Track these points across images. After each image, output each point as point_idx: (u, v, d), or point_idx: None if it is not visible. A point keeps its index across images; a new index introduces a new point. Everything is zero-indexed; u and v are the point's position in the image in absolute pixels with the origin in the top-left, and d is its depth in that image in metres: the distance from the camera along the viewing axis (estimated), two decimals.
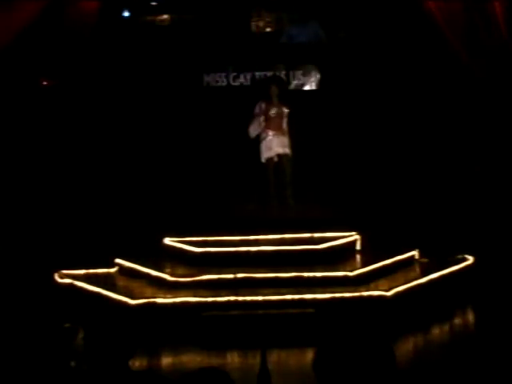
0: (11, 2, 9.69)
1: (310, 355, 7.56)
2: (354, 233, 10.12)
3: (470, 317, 9.40)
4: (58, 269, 9.74)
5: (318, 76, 12.12)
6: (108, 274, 9.93)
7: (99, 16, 10.89)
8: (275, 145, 10.77)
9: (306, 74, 12.18)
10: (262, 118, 10.77)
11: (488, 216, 10.49)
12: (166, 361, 8.11)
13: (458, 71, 10.88)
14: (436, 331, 8.81)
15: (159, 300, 8.81)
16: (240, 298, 8.70)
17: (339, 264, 9.51)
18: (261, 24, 12.26)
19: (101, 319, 3.07)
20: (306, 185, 10.88)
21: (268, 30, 12.31)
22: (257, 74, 12.09)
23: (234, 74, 12.12)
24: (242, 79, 12.12)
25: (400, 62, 11.40)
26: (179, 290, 9.00)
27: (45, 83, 11.26)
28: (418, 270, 9.95)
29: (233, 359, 7.99)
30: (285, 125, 10.81)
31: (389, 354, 2.41)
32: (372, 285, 9.09)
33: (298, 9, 12.13)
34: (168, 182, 11.13)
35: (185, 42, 11.95)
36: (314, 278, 9.10)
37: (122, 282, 9.70)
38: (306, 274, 9.12)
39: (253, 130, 10.82)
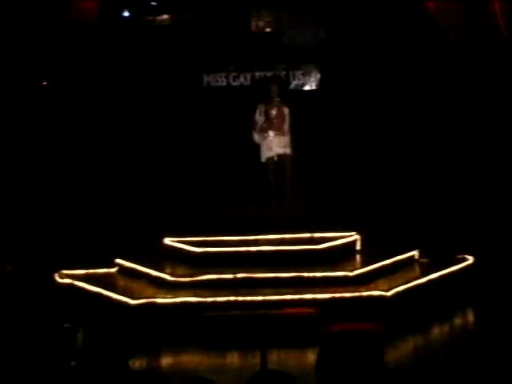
0: None
1: (309, 355, 7.58)
2: (353, 233, 10.12)
3: (470, 317, 9.40)
4: (58, 269, 9.75)
5: (318, 76, 12.12)
6: (108, 273, 9.93)
7: (99, 16, 10.89)
8: (275, 145, 10.74)
9: (306, 74, 12.17)
10: (262, 119, 10.75)
11: (488, 216, 10.48)
12: (166, 361, 8.12)
13: (457, 71, 10.88)
14: (436, 331, 8.81)
15: (159, 300, 8.81)
16: (240, 298, 8.71)
17: (339, 264, 9.51)
18: (261, 24, 12.26)
19: (101, 319, 3.08)
20: (306, 185, 10.87)
21: (268, 30, 12.30)
22: (257, 73, 12.08)
23: (234, 74, 12.11)
24: (242, 79, 12.11)
25: (400, 61, 11.39)
26: (179, 289, 9.00)
27: (45, 83, 11.25)
28: (417, 270, 9.95)
29: (233, 359, 7.99)
30: (286, 125, 10.77)
31: (379, 359, 2.41)
32: (372, 285, 9.10)
33: (298, 9, 12.12)
34: (168, 182, 11.12)
35: (185, 42, 11.94)
36: (314, 278, 9.10)
37: (122, 282, 9.70)
38: (305, 274, 9.12)
39: (258, 140, 10.77)
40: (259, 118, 10.76)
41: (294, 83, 12.16)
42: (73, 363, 5.02)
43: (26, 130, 10.89)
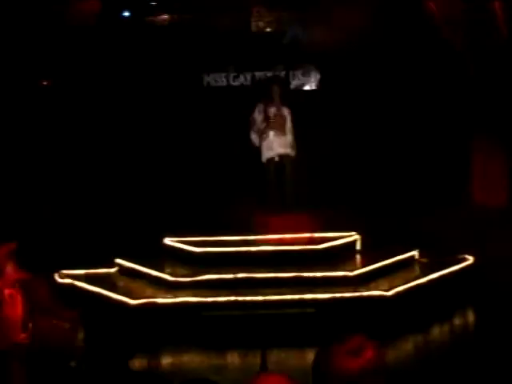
0: None
1: (310, 355, 7.58)
2: (353, 233, 10.12)
3: (470, 317, 9.40)
4: (57, 269, 9.75)
5: (318, 76, 12.12)
6: (108, 273, 9.93)
7: (99, 16, 10.89)
8: (276, 145, 10.71)
9: (306, 74, 12.17)
10: (260, 118, 10.73)
11: (488, 216, 10.49)
12: (166, 361, 8.11)
13: (457, 71, 10.88)
14: (436, 331, 8.81)
15: (159, 300, 8.81)
16: (240, 298, 8.71)
17: (339, 264, 9.51)
18: (261, 24, 12.26)
19: (101, 319, 3.08)
20: (307, 185, 10.87)
21: (268, 29, 12.31)
22: (257, 74, 12.09)
23: (234, 74, 12.12)
24: (242, 79, 12.13)
25: (400, 61, 11.40)
26: (179, 289, 9.00)
27: (45, 83, 11.26)
28: (417, 270, 9.95)
29: (233, 359, 8.00)
30: (288, 125, 10.73)
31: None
32: (372, 285, 9.09)
33: (298, 9, 12.12)
34: (168, 183, 11.13)
35: (185, 42, 11.95)
36: (314, 277, 9.10)
37: (121, 282, 9.70)
38: (306, 274, 9.12)
39: (255, 139, 10.75)
40: (257, 116, 10.74)
41: (293, 83, 12.17)
42: (73, 363, 5.02)
43: (26, 130, 10.89)
